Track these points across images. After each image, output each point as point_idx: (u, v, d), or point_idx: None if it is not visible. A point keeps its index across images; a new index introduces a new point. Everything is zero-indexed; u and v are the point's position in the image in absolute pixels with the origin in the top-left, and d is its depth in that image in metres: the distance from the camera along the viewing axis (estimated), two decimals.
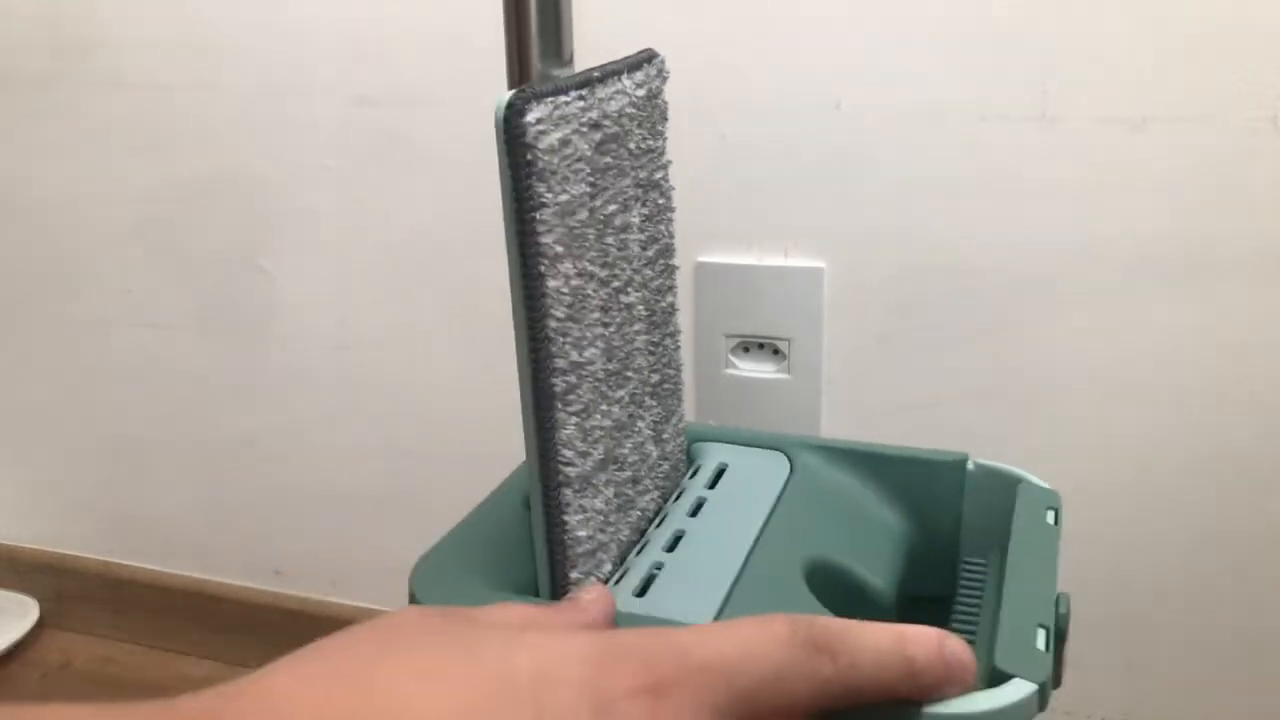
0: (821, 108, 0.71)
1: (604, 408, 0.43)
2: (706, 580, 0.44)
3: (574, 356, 0.40)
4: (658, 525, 0.48)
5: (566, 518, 0.41)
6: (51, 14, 0.90)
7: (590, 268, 0.41)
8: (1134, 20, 0.64)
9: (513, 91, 0.37)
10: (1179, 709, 0.77)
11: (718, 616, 0.41)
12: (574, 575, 0.42)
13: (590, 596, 0.36)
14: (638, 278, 0.46)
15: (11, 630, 1.10)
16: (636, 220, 0.45)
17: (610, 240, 0.43)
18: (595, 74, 0.42)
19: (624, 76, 0.44)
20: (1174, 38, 0.63)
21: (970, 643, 0.43)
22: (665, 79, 0.47)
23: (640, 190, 0.46)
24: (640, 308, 0.46)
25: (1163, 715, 0.78)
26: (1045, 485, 0.53)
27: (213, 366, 0.98)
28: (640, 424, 0.47)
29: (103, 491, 1.08)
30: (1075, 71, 0.66)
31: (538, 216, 0.38)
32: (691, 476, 0.53)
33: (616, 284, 0.44)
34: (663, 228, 0.48)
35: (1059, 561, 0.47)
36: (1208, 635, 0.75)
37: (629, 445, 0.46)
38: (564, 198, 0.39)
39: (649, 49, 0.47)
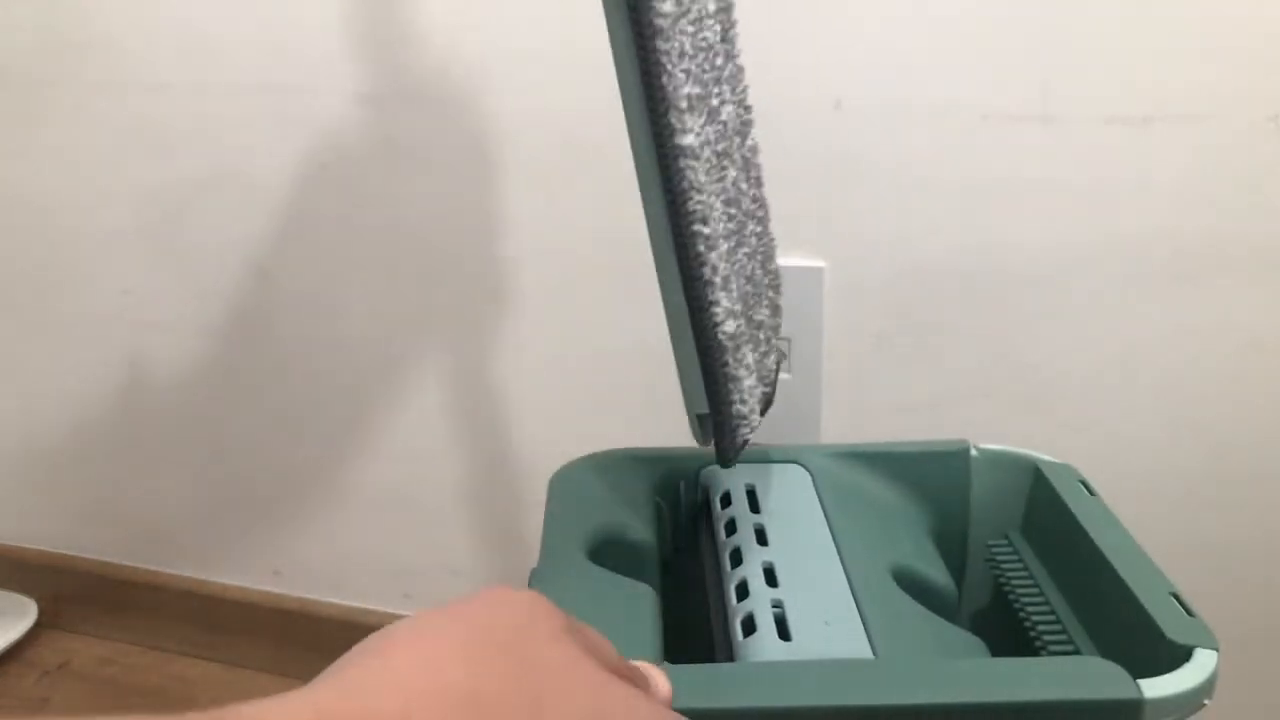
0: (821, 108, 0.71)
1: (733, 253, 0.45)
2: (832, 611, 0.44)
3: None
4: (735, 565, 0.47)
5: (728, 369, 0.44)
6: (51, 14, 0.90)
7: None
8: (1135, 19, 0.64)
9: None
10: None
11: (871, 650, 0.41)
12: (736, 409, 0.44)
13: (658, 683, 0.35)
14: (729, 92, 0.45)
15: (10, 630, 1.09)
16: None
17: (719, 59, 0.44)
18: None
19: None
20: (1175, 37, 0.63)
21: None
22: None
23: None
24: (735, 134, 0.46)
25: None
26: (1057, 461, 0.55)
27: (213, 366, 0.97)
28: (757, 272, 0.50)
29: (103, 491, 1.08)
30: (1075, 71, 0.66)
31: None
32: (725, 505, 0.52)
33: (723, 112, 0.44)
34: (733, 34, 0.47)
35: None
36: None
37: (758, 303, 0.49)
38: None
39: None
